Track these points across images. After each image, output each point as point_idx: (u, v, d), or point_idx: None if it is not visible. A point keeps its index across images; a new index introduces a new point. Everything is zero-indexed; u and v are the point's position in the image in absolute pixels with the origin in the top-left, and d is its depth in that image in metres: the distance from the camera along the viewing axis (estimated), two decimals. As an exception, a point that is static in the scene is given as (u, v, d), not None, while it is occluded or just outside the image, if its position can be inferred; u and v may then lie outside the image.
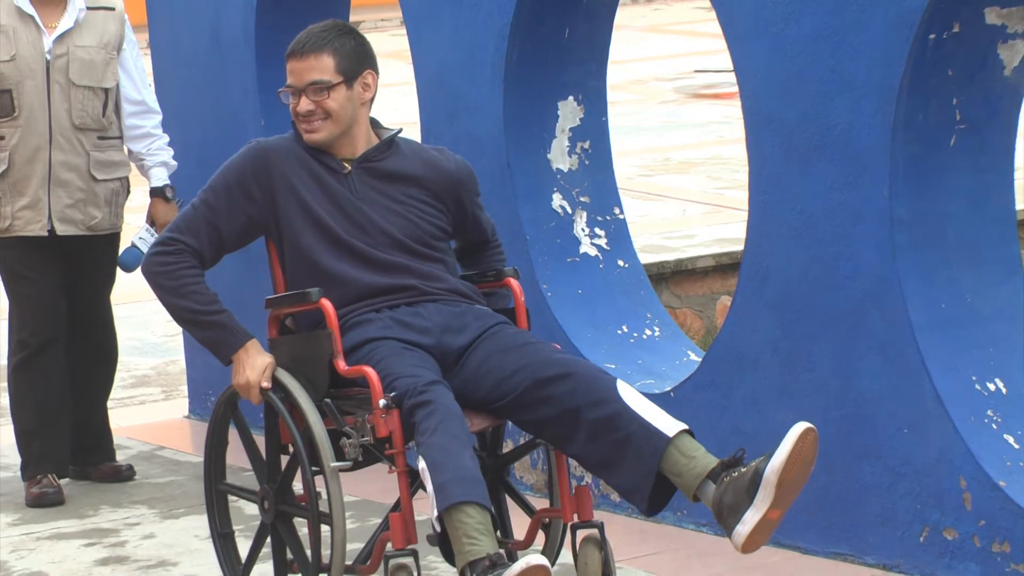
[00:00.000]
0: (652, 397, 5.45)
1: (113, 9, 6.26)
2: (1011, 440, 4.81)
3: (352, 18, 7.44)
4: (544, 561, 4.23)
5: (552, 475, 4.78)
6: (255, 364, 4.68)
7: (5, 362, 6.41)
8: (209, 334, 4.74)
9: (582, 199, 6.05)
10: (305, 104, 4.75)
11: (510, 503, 4.92)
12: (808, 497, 5.10)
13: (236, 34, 6.91)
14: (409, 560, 4.44)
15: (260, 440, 4.86)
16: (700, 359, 5.67)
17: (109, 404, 6.55)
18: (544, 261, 5.97)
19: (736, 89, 5.35)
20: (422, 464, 4.38)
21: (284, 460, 4.81)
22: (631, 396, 4.51)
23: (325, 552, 4.61)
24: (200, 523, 5.90)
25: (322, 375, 4.63)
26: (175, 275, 4.72)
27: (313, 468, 4.61)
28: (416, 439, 4.42)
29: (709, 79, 13.76)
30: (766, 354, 5.27)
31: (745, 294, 5.36)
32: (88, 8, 6.19)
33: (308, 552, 4.70)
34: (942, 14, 4.76)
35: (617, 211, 6.09)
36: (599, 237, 6.05)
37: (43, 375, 6.22)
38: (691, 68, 14.63)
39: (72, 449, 6.36)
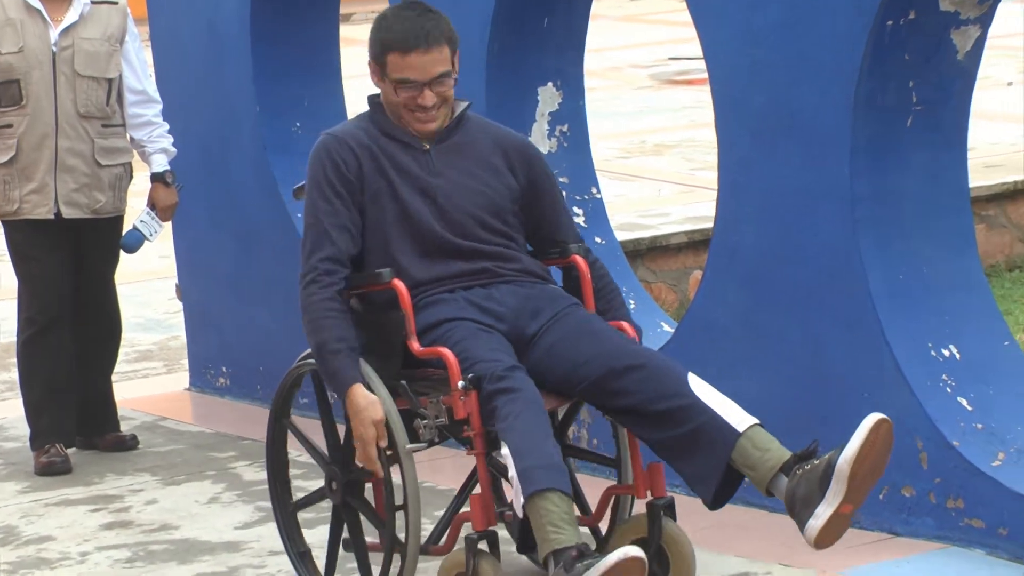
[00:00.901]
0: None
1: (116, 3, 6.27)
2: (964, 403, 4.85)
3: (343, 10, 7.48)
4: (641, 553, 4.04)
5: (622, 452, 4.58)
6: (363, 419, 4.37)
7: (15, 338, 6.44)
8: (325, 368, 4.48)
9: (561, 179, 6.04)
10: (430, 97, 4.51)
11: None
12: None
13: (232, 26, 6.91)
14: (492, 541, 4.31)
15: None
16: (673, 330, 5.70)
17: (113, 378, 6.56)
18: (525, 239, 5.99)
19: (707, 75, 5.38)
20: (504, 450, 4.21)
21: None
22: (702, 388, 4.32)
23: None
24: (199, 489, 5.96)
25: (395, 356, 4.46)
26: (316, 308, 4.46)
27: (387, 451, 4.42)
28: (497, 425, 4.24)
29: (682, 66, 13.78)
30: (735, 325, 5.30)
31: (715, 269, 5.39)
32: (92, 2, 6.21)
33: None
34: (899, 2, 4.77)
35: (595, 191, 6.12)
36: (578, 215, 6.05)
37: (51, 351, 6.25)
38: (665, 56, 14.63)
39: (79, 420, 6.38)
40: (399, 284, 4.43)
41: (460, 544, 4.35)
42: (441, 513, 4.64)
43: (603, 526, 4.66)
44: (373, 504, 4.59)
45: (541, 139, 6.05)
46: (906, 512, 4.89)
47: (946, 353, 4.92)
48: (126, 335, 6.81)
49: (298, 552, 4.77)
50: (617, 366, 4.34)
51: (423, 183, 4.54)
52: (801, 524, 4.15)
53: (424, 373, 4.45)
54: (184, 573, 5.14)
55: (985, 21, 4.90)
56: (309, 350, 4.57)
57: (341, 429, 4.58)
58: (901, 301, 4.95)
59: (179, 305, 7.61)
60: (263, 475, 6.03)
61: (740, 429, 4.23)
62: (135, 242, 6.37)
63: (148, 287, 9.15)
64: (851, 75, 4.88)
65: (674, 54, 14.41)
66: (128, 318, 7.10)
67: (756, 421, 4.26)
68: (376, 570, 4.50)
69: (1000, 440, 4.79)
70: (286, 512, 4.80)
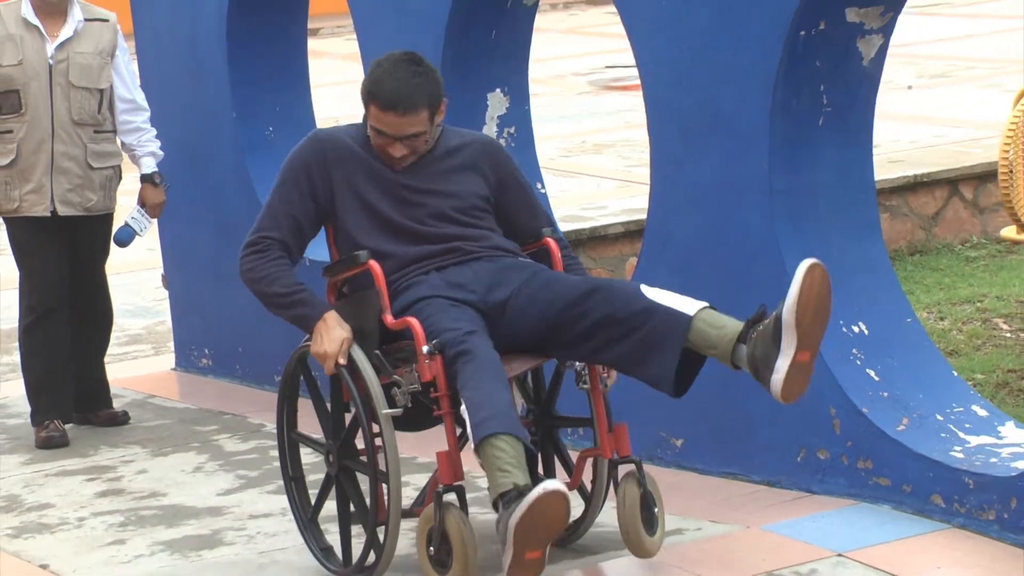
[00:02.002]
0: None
1: (107, 20, 6.27)
2: (872, 374, 4.87)
3: (311, 25, 7.46)
4: (559, 486, 3.97)
5: (592, 415, 4.48)
6: (332, 337, 4.38)
7: (16, 325, 6.41)
8: (293, 312, 4.45)
9: (510, 177, 6.07)
10: (399, 149, 4.46)
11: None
12: (706, 427, 5.18)
13: (211, 41, 6.89)
14: (454, 495, 4.24)
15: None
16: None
17: (106, 359, 6.53)
18: (478, 230, 5.98)
19: (640, 82, 5.38)
20: (463, 408, 4.17)
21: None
22: (654, 292, 4.26)
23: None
24: (184, 459, 5.95)
25: (372, 331, 4.40)
26: (260, 269, 4.47)
27: (375, 431, 4.37)
28: (458, 385, 4.20)
29: (618, 73, 13.79)
30: (667, 306, 5.30)
31: (649, 255, 5.39)
32: (86, 20, 6.20)
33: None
34: (810, 14, 4.80)
35: (540, 187, 6.11)
36: (525, 209, 6.07)
37: (49, 336, 6.22)
38: (603, 64, 14.64)
39: (75, 398, 6.36)
40: (374, 264, 4.38)
41: None
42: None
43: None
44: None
45: (491, 140, 6.04)
46: (821, 473, 4.91)
47: (855, 329, 4.94)
48: (117, 321, 6.78)
49: (292, 476, 4.74)
50: (573, 296, 4.29)
51: (395, 189, 4.48)
52: (765, 383, 4.05)
53: (399, 346, 4.39)
54: (172, 535, 5.13)
55: (887, 31, 4.92)
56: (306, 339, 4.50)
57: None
58: (815, 283, 4.95)
59: (165, 293, 7.59)
60: (243, 446, 6.08)
61: (691, 313, 4.15)
62: (127, 237, 6.35)
63: (137, 277, 9.11)
64: (768, 80, 4.89)
65: (611, 63, 14.41)
66: (119, 305, 7.07)
67: (706, 304, 4.18)
68: (355, 542, 4.51)
69: (904, 407, 4.82)
70: (287, 438, 4.74)
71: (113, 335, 6.64)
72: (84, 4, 6.25)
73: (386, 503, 4.38)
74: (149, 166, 6.36)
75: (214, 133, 7.01)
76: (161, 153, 6.41)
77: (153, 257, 8.13)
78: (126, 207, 6.46)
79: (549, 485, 3.96)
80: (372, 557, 4.44)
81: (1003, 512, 4.44)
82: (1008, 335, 6.89)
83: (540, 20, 6.45)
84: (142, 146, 6.34)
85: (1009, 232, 6.71)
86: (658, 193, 5.32)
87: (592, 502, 4.61)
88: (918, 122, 10.61)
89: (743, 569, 4.42)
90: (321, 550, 4.64)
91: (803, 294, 3.93)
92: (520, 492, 3.98)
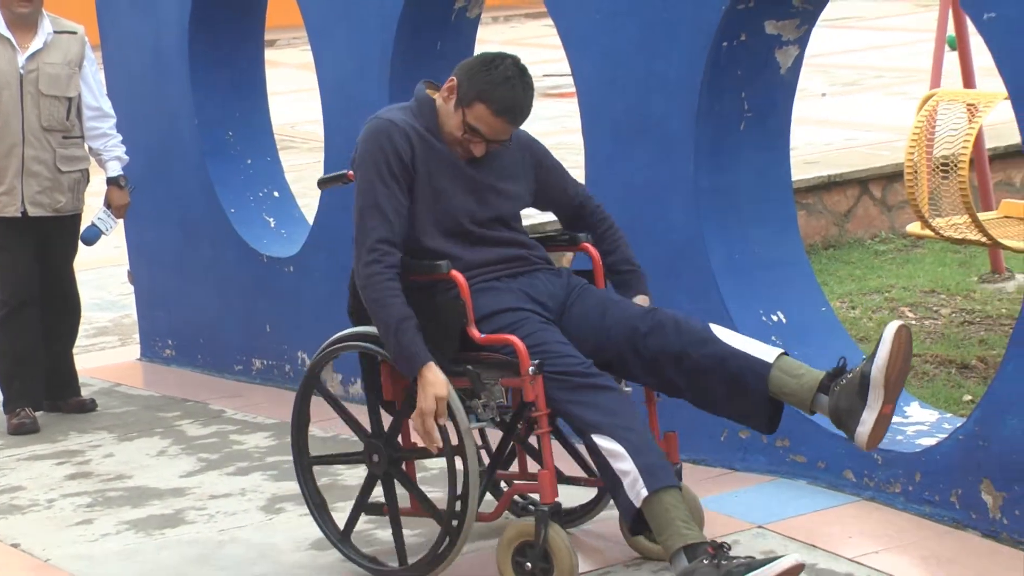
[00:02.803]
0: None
1: (75, 33, 6.20)
2: (790, 359, 4.88)
3: (268, 37, 7.40)
4: (803, 560, 3.75)
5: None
6: (432, 394, 3.97)
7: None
8: (396, 344, 4.02)
9: (453, 178, 6.04)
10: (482, 149, 4.17)
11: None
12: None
13: (173, 51, 6.84)
14: (558, 512, 4.01)
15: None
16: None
17: (75, 350, 6.47)
18: (424, 228, 5.95)
19: (575, 89, 5.38)
20: (608, 443, 3.87)
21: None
22: (726, 335, 4.04)
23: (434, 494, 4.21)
24: (149, 444, 5.89)
25: (452, 341, 4.05)
26: (379, 286, 4.04)
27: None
28: (594, 419, 3.89)
29: (555, 81, 13.78)
30: (600, 297, 5.29)
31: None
32: (55, 32, 6.13)
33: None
34: (732, 26, 4.80)
35: (481, 187, 6.10)
36: (468, 208, 6.04)
37: (21, 328, 6.15)
38: (541, 73, 14.63)
39: (46, 387, 6.29)
40: (458, 275, 4.06)
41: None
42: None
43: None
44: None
45: (436, 144, 6.01)
46: (743, 451, 4.92)
47: (774, 318, 4.94)
48: (85, 314, 6.72)
49: (315, 503, 4.45)
50: (642, 327, 4.05)
51: (466, 179, 4.17)
52: (850, 433, 3.91)
53: (480, 356, 4.07)
54: (137, 515, 5.08)
55: (802, 42, 4.93)
56: (350, 330, 4.27)
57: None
58: (737, 276, 4.98)
59: (131, 288, 7.52)
60: (204, 431, 6.03)
61: (770, 360, 3.97)
62: (93, 236, 6.28)
63: (104, 273, 9.02)
64: (694, 88, 4.89)
65: (548, 72, 14.39)
66: (87, 300, 7.01)
67: (781, 351, 4.03)
68: (406, 532, 4.29)
69: (820, 390, 4.82)
70: (304, 465, 4.45)
71: (81, 327, 6.57)
72: (53, 17, 6.19)
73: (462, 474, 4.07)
74: (115, 170, 6.30)
75: (177, 138, 6.95)
76: (126, 157, 6.35)
77: (119, 254, 8.04)
78: (93, 208, 6.39)
79: (797, 559, 3.74)
80: (444, 544, 4.14)
81: (908, 485, 4.47)
82: (913, 322, 6.93)
83: (482, 32, 6.42)
84: (108, 151, 6.28)
85: (914, 228, 6.74)
86: (592, 192, 5.29)
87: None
88: (831, 127, 10.65)
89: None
90: (369, 561, 4.34)
91: (892, 355, 3.83)
92: (717, 546, 3.76)
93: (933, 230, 6.51)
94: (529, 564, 3.98)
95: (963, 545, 4.20)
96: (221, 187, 6.82)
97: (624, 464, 3.85)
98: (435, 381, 3.98)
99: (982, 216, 6.62)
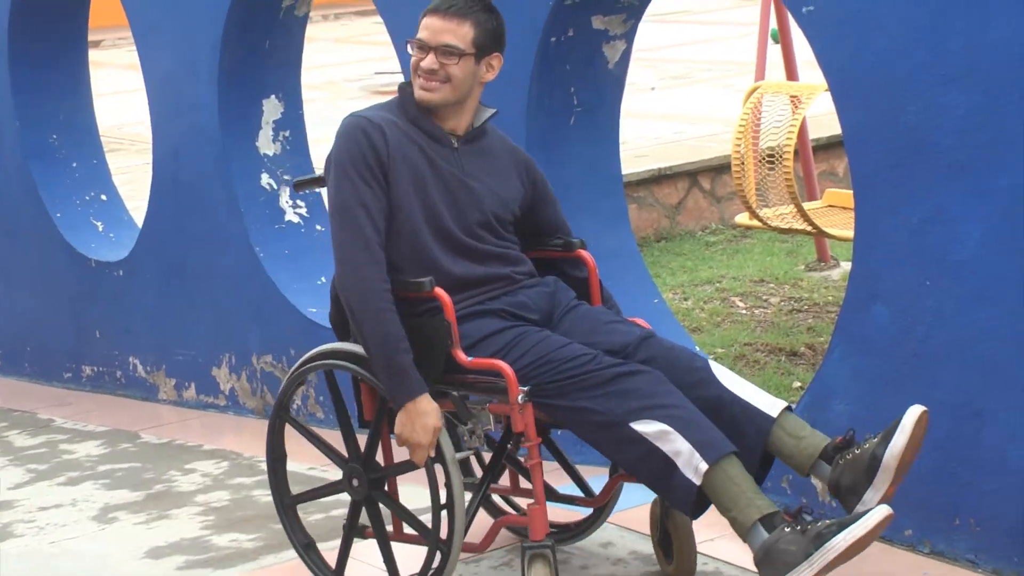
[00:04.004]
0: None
1: None
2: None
3: (92, 37, 7.25)
4: (892, 511, 3.42)
5: None
6: (425, 425, 3.64)
7: None
8: (387, 371, 3.65)
9: (285, 177, 5.99)
10: (430, 62, 3.77)
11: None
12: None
13: (-9, 51, 6.67)
14: (548, 551, 3.64)
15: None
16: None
17: None
18: (257, 228, 5.89)
19: (403, 85, 5.34)
20: (656, 427, 3.52)
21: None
22: (727, 377, 3.70)
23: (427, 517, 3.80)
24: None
25: (436, 364, 3.69)
26: (373, 298, 3.64)
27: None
28: (627, 407, 3.55)
29: (386, 79, 13.73)
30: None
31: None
32: None
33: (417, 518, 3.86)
34: (560, 22, 4.82)
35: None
36: (300, 207, 6.00)
37: None
38: (371, 71, 14.56)
39: None
40: (441, 293, 3.71)
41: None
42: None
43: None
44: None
45: (267, 143, 5.96)
46: (580, 443, 4.90)
47: (608, 311, 4.96)
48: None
49: (303, 544, 4.06)
50: (635, 356, 3.70)
51: (449, 178, 3.82)
52: (849, 508, 3.59)
53: (466, 380, 3.73)
54: (-35, 529, 4.94)
55: (629, 37, 4.96)
56: (319, 349, 3.92)
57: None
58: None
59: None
60: (32, 441, 5.88)
61: (772, 414, 3.64)
62: None
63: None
64: (524, 82, 4.89)
65: (379, 69, 14.34)
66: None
67: (785, 405, 3.67)
68: (397, 557, 3.89)
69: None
70: (285, 505, 4.07)
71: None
72: None
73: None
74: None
75: (-3, 141, 6.78)
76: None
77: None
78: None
79: (885, 510, 3.43)
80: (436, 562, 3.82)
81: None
82: (744, 312, 7.04)
83: (312, 30, 6.37)
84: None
85: (743, 219, 6.84)
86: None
87: (606, 510, 4.13)
88: (661, 120, 10.77)
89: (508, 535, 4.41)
90: None
91: (910, 443, 3.54)
92: (801, 511, 3.46)
93: (761, 220, 6.61)
94: None
95: (796, 529, 4.27)
96: (46, 191, 6.67)
97: (675, 443, 3.50)
98: (430, 411, 3.64)
99: (807, 206, 6.75)
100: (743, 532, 3.50)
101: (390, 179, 3.75)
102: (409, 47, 3.84)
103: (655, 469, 3.56)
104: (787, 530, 3.43)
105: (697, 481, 3.50)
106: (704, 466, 3.49)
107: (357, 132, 3.76)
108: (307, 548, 4.05)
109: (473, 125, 3.91)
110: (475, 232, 3.84)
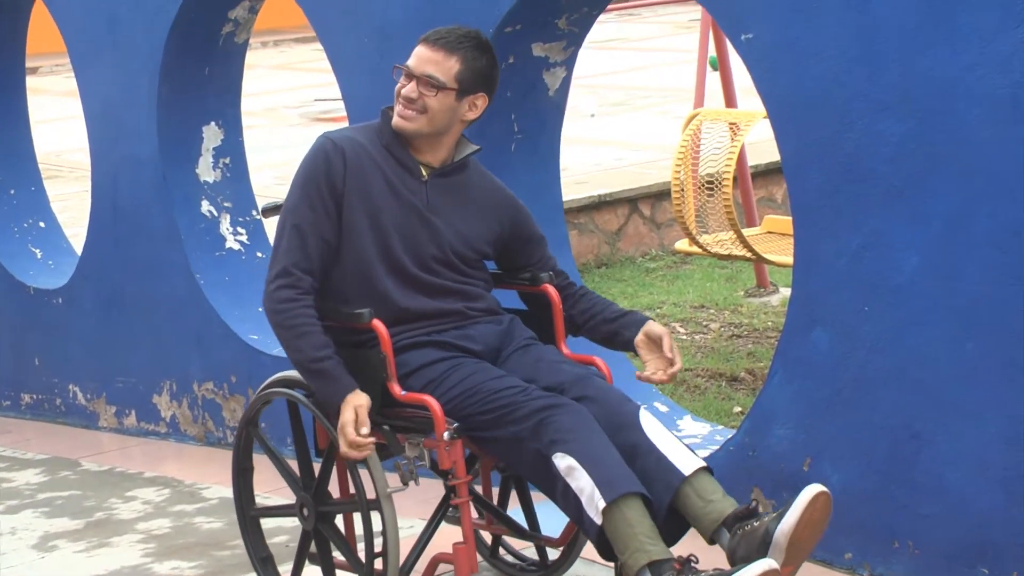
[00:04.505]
0: (285, 361, 5.40)
1: None
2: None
3: (30, 64, 7.20)
4: (776, 565, 3.36)
5: None
6: (356, 403, 3.60)
7: None
8: (316, 382, 3.64)
9: (226, 204, 5.97)
10: (411, 90, 3.72)
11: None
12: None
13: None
14: None
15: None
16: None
17: None
18: (197, 256, 5.87)
19: (345, 113, 5.35)
20: (567, 461, 3.46)
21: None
22: (652, 427, 3.58)
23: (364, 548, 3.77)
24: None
25: (374, 395, 3.65)
26: (292, 315, 3.64)
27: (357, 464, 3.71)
28: (549, 438, 3.49)
29: (325, 106, 13.72)
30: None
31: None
32: None
33: (358, 553, 3.84)
34: (500, 49, 4.72)
35: (255, 213, 6.03)
36: (241, 234, 5.98)
37: None
38: (311, 98, 14.55)
39: None
40: (379, 325, 3.67)
41: None
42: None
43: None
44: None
45: (207, 170, 5.94)
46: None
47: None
48: None
49: (260, 557, 4.05)
50: (569, 392, 3.63)
51: (410, 211, 3.77)
52: None
53: (401, 413, 3.70)
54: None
55: (569, 64, 4.99)
56: (281, 374, 3.90)
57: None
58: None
59: None
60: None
61: (685, 473, 3.52)
62: None
63: None
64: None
65: (319, 96, 14.33)
66: None
67: (701, 465, 3.55)
68: None
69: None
70: (247, 516, 4.06)
71: None
72: None
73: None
74: None
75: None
76: None
77: None
78: None
79: (771, 564, 3.36)
80: None
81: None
82: (684, 337, 7.08)
83: (252, 57, 6.36)
84: None
85: (682, 245, 6.88)
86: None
87: (575, 549, 4.02)
88: (601, 146, 10.82)
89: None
90: None
91: (802, 520, 3.42)
92: (684, 561, 3.41)
93: (700, 247, 6.66)
94: None
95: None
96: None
97: (580, 480, 3.45)
98: (358, 400, 3.60)
99: (747, 232, 6.80)
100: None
101: (343, 205, 3.70)
102: (395, 72, 3.80)
103: (570, 505, 3.52)
104: None
105: (598, 520, 3.44)
106: (603, 504, 3.43)
107: (319, 154, 3.73)
108: (263, 562, 4.04)
109: (453, 159, 3.84)
110: (430, 267, 3.77)
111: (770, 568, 3.33)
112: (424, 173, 3.80)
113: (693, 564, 3.43)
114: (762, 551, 3.41)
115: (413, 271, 3.76)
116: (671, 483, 3.50)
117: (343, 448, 3.60)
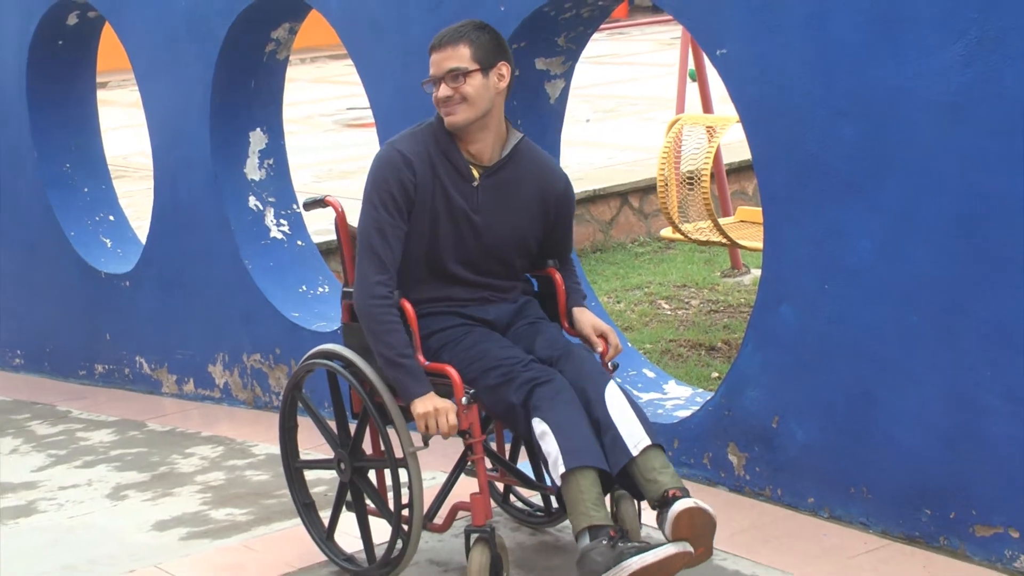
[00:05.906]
0: (323, 335, 5.46)
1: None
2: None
3: (100, 79, 7.21)
4: (690, 549, 3.32)
5: None
6: (442, 407, 3.55)
7: None
8: (395, 374, 3.58)
9: (270, 199, 5.98)
10: (444, 90, 3.62)
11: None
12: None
13: (12, 91, 6.63)
14: (487, 535, 3.57)
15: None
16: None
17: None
18: (245, 244, 5.88)
19: (373, 120, 5.36)
20: (542, 427, 3.45)
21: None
22: (615, 404, 3.50)
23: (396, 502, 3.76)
24: (3, 443, 5.67)
25: None
26: (386, 312, 3.58)
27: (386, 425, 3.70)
28: (533, 404, 3.49)
29: (356, 114, 13.71)
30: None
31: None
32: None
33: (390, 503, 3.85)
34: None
35: (295, 207, 6.05)
36: (283, 226, 5.99)
37: None
38: (344, 107, 14.54)
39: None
40: (407, 306, 3.63)
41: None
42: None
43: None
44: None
45: (254, 170, 5.94)
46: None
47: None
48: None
49: (303, 503, 4.07)
50: (549, 356, 3.62)
51: (462, 215, 3.68)
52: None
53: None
54: (-7, 508, 4.91)
55: (568, 76, 4.99)
56: (321, 347, 3.86)
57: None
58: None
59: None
60: (53, 430, 5.85)
61: (633, 453, 3.45)
62: None
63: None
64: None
65: (351, 105, 14.31)
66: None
67: (648, 443, 3.46)
68: (374, 531, 3.90)
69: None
70: (292, 468, 4.07)
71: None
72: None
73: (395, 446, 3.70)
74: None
75: (19, 170, 6.74)
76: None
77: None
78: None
79: (684, 546, 3.32)
80: (398, 547, 3.79)
81: (668, 451, 4.54)
82: (668, 313, 7.08)
83: (291, 71, 6.37)
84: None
85: (667, 232, 6.89)
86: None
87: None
88: (595, 148, 10.81)
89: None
90: (345, 560, 3.96)
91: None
92: (620, 532, 3.36)
93: (682, 234, 6.66)
94: None
95: (714, 499, 4.30)
96: (61, 213, 6.63)
97: (549, 444, 3.44)
98: (443, 407, 3.54)
99: (722, 221, 6.80)
100: (575, 535, 3.42)
101: (413, 212, 3.65)
102: (425, 87, 3.70)
103: (541, 463, 3.54)
104: (604, 543, 3.34)
105: (559, 482, 3.44)
106: (562, 470, 3.41)
107: (389, 166, 3.64)
108: (307, 508, 4.05)
109: (502, 154, 3.73)
110: (472, 264, 3.73)
111: (681, 551, 3.31)
112: (475, 174, 3.71)
113: (627, 534, 3.41)
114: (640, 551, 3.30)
115: (451, 268, 3.72)
116: (619, 461, 3.45)
117: (444, 429, 3.54)
